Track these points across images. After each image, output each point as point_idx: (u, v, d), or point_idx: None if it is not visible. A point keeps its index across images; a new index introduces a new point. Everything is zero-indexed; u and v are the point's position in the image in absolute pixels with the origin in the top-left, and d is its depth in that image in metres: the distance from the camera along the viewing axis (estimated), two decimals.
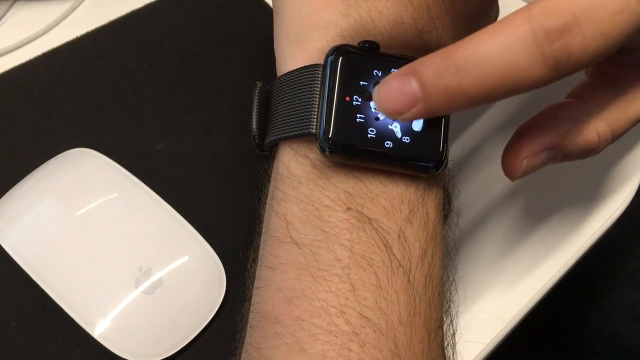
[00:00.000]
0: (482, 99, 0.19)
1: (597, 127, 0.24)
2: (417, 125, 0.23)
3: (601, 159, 0.39)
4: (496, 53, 0.19)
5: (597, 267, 0.57)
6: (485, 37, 0.19)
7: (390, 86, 0.21)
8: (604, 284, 0.56)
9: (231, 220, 0.35)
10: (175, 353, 0.31)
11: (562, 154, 0.24)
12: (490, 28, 0.19)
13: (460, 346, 0.27)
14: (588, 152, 0.24)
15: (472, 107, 0.20)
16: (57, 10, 0.42)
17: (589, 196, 0.38)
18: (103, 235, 0.32)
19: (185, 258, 0.32)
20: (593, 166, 0.39)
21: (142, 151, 0.37)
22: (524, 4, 0.44)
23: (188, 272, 0.32)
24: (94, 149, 0.35)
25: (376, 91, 0.21)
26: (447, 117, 0.24)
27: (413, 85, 0.20)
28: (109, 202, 0.33)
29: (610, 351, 0.55)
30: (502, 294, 0.34)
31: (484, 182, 0.37)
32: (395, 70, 0.21)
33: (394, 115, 0.21)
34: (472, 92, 0.19)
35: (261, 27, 0.42)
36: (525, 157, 0.23)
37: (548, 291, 0.35)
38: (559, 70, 0.18)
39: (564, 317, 0.61)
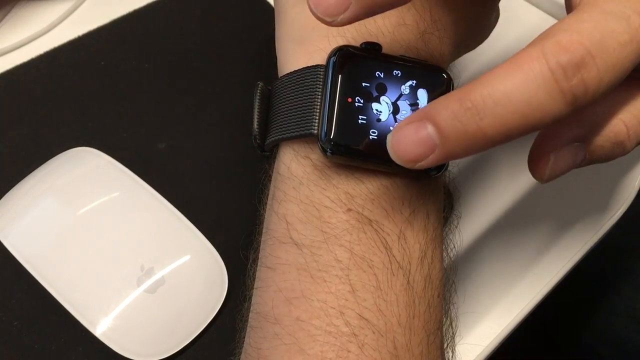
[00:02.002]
0: (501, 139, 0.18)
1: (623, 118, 0.22)
2: None
3: None
4: (515, 91, 0.18)
5: (597, 267, 0.57)
6: (501, 76, 0.18)
7: (404, 133, 0.19)
8: (604, 284, 0.56)
9: (233, 219, 0.35)
10: (177, 352, 0.31)
11: (590, 151, 0.22)
12: (503, 66, 0.18)
13: (461, 348, 0.27)
14: (618, 145, 0.23)
15: (489, 149, 0.19)
16: (59, 9, 0.42)
17: (590, 197, 0.38)
18: (105, 234, 0.32)
19: (187, 257, 0.32)
20: (593, 167, 0.39)
21: (143, 150, 0.37)
22: (525, 5, 0.44)
23: (190, 271, 0.32)
24: (95, 147, 0.35)
25: (390, 139, 0.19)
26: None
27: (429, 130, 0.18)
28: (110, 200, 0.33)
29: (610, 351, 0.55)
30: (503, 294, 0.34)
31: (485, 184, 0.37)
32: (407, 119, 0.20)
33: (411, 164, 0.19)
34: (492, 133, 0.18)
35: (263, 26, 0.42)
36: (552, 151, 0.22)
37: (549, 292, 0.35)
38: (575, 105, 0.18)
39: (563, 318, 0.61)
